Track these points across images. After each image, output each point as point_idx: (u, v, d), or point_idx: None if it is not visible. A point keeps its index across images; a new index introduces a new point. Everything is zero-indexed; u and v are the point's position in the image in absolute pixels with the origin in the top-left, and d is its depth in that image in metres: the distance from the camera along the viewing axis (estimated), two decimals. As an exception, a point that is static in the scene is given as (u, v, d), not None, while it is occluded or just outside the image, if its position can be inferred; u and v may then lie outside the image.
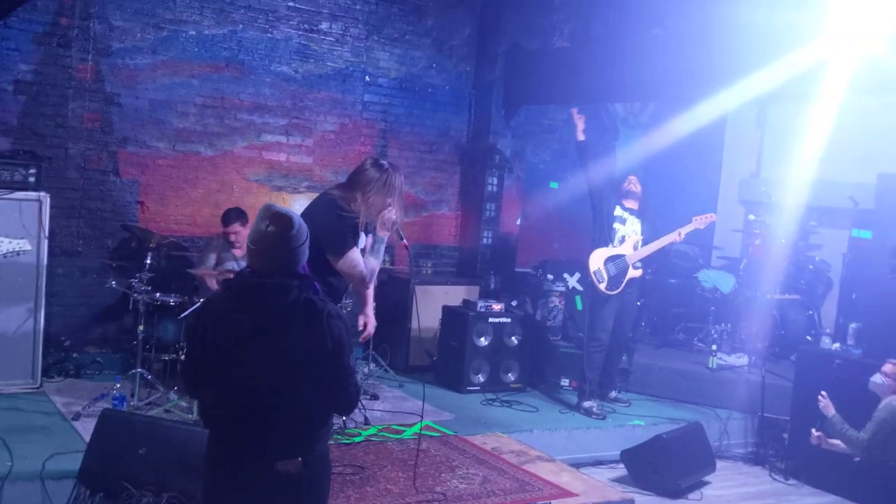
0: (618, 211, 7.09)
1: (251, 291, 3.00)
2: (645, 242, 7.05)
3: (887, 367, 5.52)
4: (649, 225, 7.14)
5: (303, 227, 3.03)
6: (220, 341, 3.00)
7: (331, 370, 3.00)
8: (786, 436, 6.94)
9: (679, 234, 7.00)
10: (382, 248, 4.62)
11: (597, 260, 6.99)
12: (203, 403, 3.20)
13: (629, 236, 7.06)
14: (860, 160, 7.88)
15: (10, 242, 4.95)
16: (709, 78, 6.86)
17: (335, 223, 4.47)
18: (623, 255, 6.98)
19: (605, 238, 7.03)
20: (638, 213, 7.12)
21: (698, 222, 7.08)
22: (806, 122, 7.70)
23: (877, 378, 5.57)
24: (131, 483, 4.16)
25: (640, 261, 7.07)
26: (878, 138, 7.90)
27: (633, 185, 7.11)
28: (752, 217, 8.66)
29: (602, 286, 6.94)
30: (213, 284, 6.44)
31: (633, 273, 7.04)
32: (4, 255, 5.01)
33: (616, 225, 7.06)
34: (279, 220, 2.96)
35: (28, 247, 5.05)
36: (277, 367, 2.96)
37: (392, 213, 4.53)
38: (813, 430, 5.70)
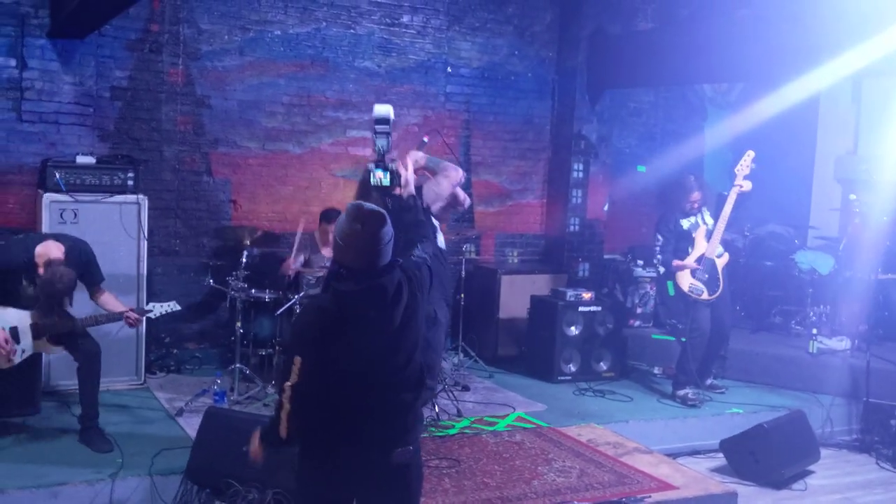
0: (684, 223, 6.92)
1: (369, 292, 2.94)
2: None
3: None
4: (713, 203, 6.98)
5: (390, 227, 3.03)
6: (342, 345, 2.99)
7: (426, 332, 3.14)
8: (893, 422, 6.68)
9: (737, 190, 6.70)
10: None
11: (685, 276, 6.83)
12: (307, 413, 3.09)
13: (698, 232, 6.88)
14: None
15: (162, 306, 5.45)
16: (800, 57, 6.62)
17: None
18: (702, 255, 6.81)
19: (682, 254, 6.87)
20: (700, 206, 6.95)
21: (742, 170, 6.74)
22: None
23: None
24: (236, 480, 4.26)
25: (721, 243, 6.88)
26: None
27: (697, 203, 6.91)
28: (853, 197, 8.35)
29: (704, 296, 6.79)
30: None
31: (721, 262, 6.87)
32: (157, 317, 5.44)
33: (694, 235, 6.89)
34: (372, 217, 2.98)
35: (178, 307, 5.57)
36: (397, 357, 3.05)
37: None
38: None
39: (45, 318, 5.12)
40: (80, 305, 5.45)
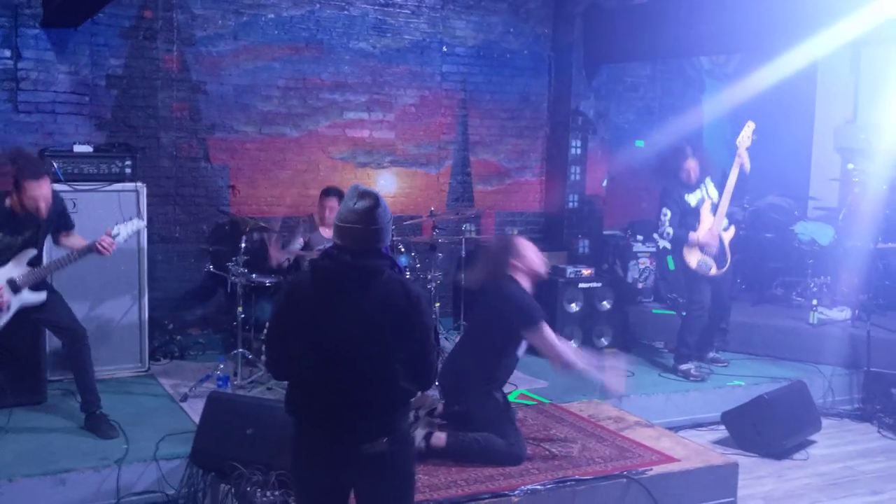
0: (691, 199, 6.83)
1: (344, 271, 3.04)
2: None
3: None
4: (718, 178, 6.87)
5: (387, 208, 3.09)
6: (308, 322, 3.05)
7: (417, 351, 3.07)
8: (894, 391, 6.71)
9: (738, 163, 6.66)
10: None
11: (693, 252, 6.79)
12: (289, 387, 3.22)
13: (704, 206, 6.81)
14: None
15: (126, 226, 5.23)
16: (796, 25, 6.60)
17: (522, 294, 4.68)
18: (709, 229, 6.77)
19: (689, 229, 6.80)
20: (705, 181, 6.86)
21: (743, 141, 6.69)
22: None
23: None
24: (240, 462, 4.30)
25: (727, 217, 6.86)
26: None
27: (693, 171, 6.79)
28: (851, 166, 8.33)
29: (713, 271, 6.77)
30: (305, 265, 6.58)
31: (728, 236, 6.86)
32: (126, 240, 5.31)
33: (700, 210, 6.82)
34: (366, 197, 3.03)
35: (143, 223, 5.42)
36: (365, 348, 3.02)
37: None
38: None
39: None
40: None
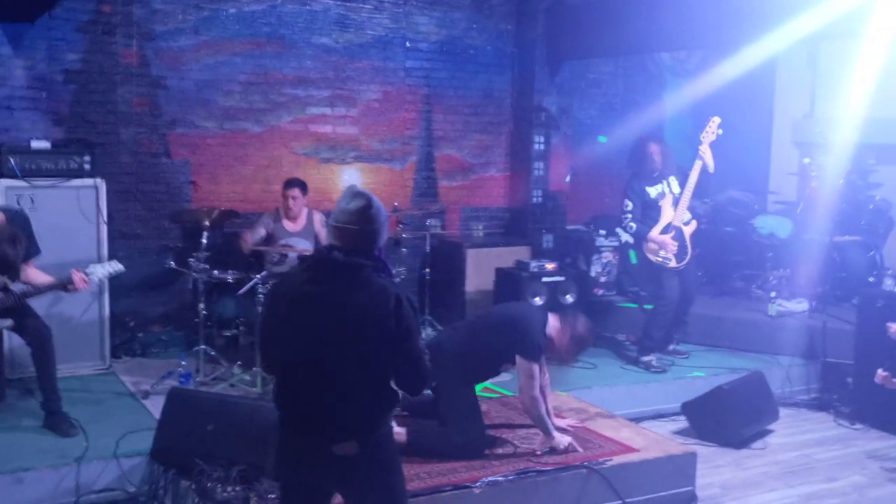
0: (652, 192, 6.88)
1: (324, 265, 3.08)
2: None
3: None
4: (682, 174, 6.90)
5: (381, 209, 3.11)
6: (288, 316, 3.09)
7: (399, 353, 3.05)
8: (850, 380, 6.84)
9: (701, 158, 6.69)
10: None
11: (652, 247, 6.88)
12: (275, 384, 3.25)
13: (665, 201, 6.87)
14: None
15: (104, 267, 5.17)
16: (756, 21, 6.70)
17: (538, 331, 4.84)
18: (669, 223, 6.84)
19: (649, 221, 6.86)
20: (667, 175, 6.90)
21: (707, 136, 6.72)
22: (859, 58, 7.49)
23: None
24: (202, 459, 4.29)
25: (689, 210, 6.92)
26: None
27: (656, 155, 6.83)
28: (806, 160, 8.48)
29: (672, 264, 6.85)
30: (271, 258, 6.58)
31: (689, 230, 6.91)
32: (100, 281, 5.23)
33: (660, 203, 6.88)
34: (359, 197, 3.08)
35: (121, 266, 5.31)
36: (340, 346, 3.00)
37: None
38: (879, 371, 5.64)
39: None
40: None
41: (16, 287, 5.07)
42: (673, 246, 6.80)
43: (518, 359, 4.80)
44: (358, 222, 3.04)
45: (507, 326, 4.91)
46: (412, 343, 3.06)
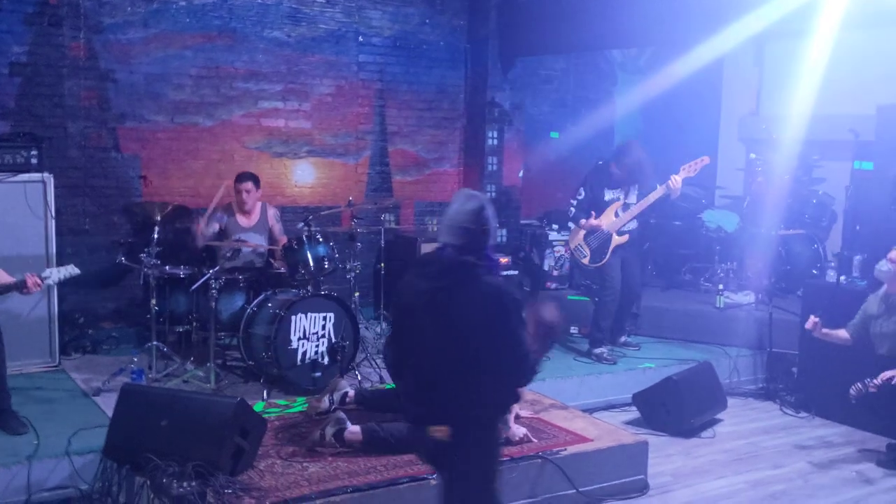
0: (608, 195, 6.95)
1: (438, 262, 3.34)
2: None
3: (893, 254, 5.68)
4: (646, 185, 6.87)
5: (493, 214, 3.35)
6: (404, 307, 3.40)
7: (507, 349, 3.20)
8: (795, 370, 7.04)
9: (668, 187, 6.67)
10: None
11: (577, 236, 7.01)
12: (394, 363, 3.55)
13: (615, 205, 6.93)
14: (859, 93, 7.84)
15: (59, 271, 5.08)
16: (705, 19, 6.84)
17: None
18: (600, 225, 6.92)
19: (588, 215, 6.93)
20: (628, 182, 6.91)
21: (688, 170, 6.77)
22: (803, 57, 7.68)
23: (882, 265, 5.78)
24: (155, 454, 4.24)
25: (636, 219, 6.95)
26: (875, 71, 7.86)
27: (623, 170, 6.82)
28: (753, 156, 8.66)
29: (585, 261, 7.00)
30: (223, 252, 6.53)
31: (618, 240, 6.93)
32: (57, 283, 5.12)
33: (609, 206, 6.95)
34: (474, 199, 3.35)
35: (77, 270, 5.18)
36: (449, 337, 3.22)
37: None
38: (811, 316, 5.96)
39: None
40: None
41: None
42: (588, 235, 6.91)
43: None
44: (474, 222, 3.29)
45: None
46: (520, 338, 3.21)
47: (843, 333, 5.99)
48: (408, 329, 3.37)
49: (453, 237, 3.31)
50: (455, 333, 3.21)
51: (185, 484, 4.08)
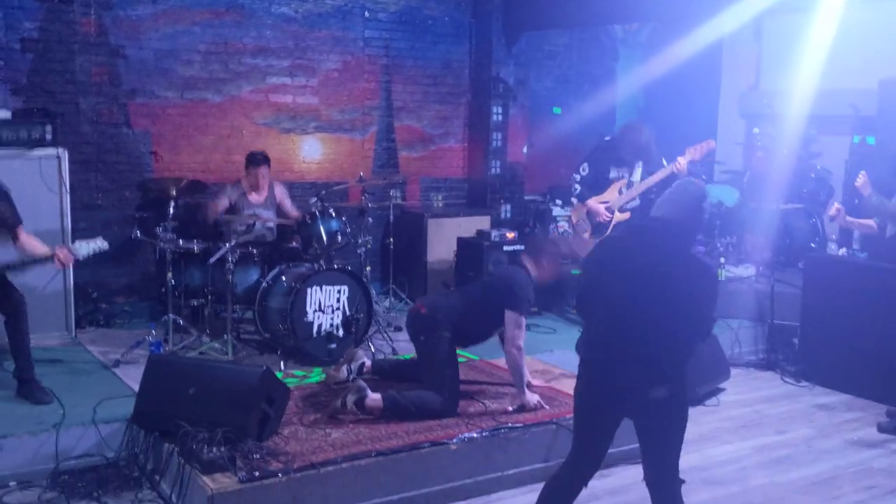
0: (613, 172, 6.99)
1: (652, 233, 3.62)
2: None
3: None
4: (652, 163, 6.90)
5: (708, 204, 3.68)
6: (614, 276, 3.59)
7: (701, 315, 3.55)
8: (796, 340, 7.18)
9: (675, 167, 6.68)
10: None
11: (578, 210, 7.09)
12: (588, 330, 3.78)
13: (619, 182, 6.97)
14: (860, 68, 7.94)
15: (89, 244, 5.13)
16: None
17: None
18: (607, 202, 6.99)
19: (594, 192, 6.98)
20: (634, 160, 6.95)
21: (693, 152, 6.76)
22: (804, 32, 7.77)
23: None
24: (186, 421, 4.34)
25: (639, 197, 6.97)
26: (877, 45, 7.95)
27: (628, 145, 6.85)
28: (756, 130, 8.76)
29: (586, 235, 7.05)
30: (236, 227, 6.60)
31: (619, 217, 6.97)
32: (86, 257, 5.18)
33: (612, 185, 7.00)
34: (698, 187, 3.69)
35: (105, 244, 5.23)
36: (661, 306, 3.47)
37: None
38: (835, 203, 6.17)
39: None
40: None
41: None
42: (603, 217, 6.97)
43: (507, 312, 5.01)
44: (695, 208, 3.60)
45: (498, 289, 5.15)
46: (712, 308, 3.59)
47: (868, 221, 6.19)
48: (618, 298, 3.56)
49: (675, 211, 3.59)
50: (674, 302, 3.47)
51: (214, 449, 4.20)
